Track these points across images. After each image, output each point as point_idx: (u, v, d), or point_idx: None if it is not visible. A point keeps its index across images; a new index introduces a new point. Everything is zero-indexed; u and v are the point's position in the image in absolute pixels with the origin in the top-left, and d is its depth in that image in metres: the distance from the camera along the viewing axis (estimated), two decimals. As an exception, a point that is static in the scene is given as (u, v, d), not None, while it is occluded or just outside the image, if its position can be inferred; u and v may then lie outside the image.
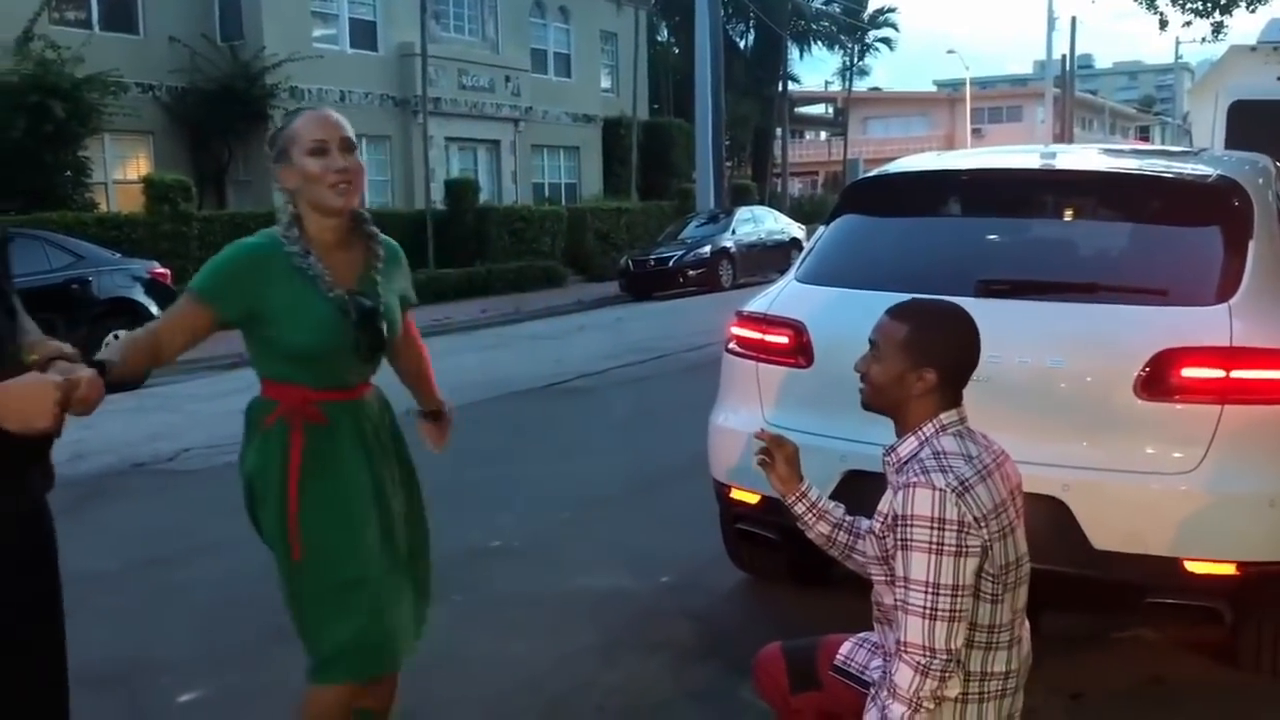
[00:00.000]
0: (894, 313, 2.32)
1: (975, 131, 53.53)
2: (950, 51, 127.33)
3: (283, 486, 2.52)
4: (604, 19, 30.72)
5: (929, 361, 2.24)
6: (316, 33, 22.74)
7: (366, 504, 2.60)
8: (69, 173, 17.56)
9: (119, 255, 12.43)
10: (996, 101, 61.54)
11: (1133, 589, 3.27)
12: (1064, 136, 40.31)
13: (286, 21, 21.61)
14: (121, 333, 11.39)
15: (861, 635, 2.51)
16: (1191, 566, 3.18)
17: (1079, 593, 3.43)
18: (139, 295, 11.73)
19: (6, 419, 1.84)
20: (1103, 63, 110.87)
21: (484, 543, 5.26)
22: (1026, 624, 2.37)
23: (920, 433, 2.27)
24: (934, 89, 67.63)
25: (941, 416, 2.27)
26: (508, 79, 26.77)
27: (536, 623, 4.29)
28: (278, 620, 3.99)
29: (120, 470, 7.11)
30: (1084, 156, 4.39)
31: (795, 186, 50.43)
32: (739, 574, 4.57)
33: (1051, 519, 3.24)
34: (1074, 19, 41.27)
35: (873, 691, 2.29)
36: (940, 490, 2.12)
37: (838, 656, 2.52)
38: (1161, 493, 3.22)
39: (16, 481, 2.02)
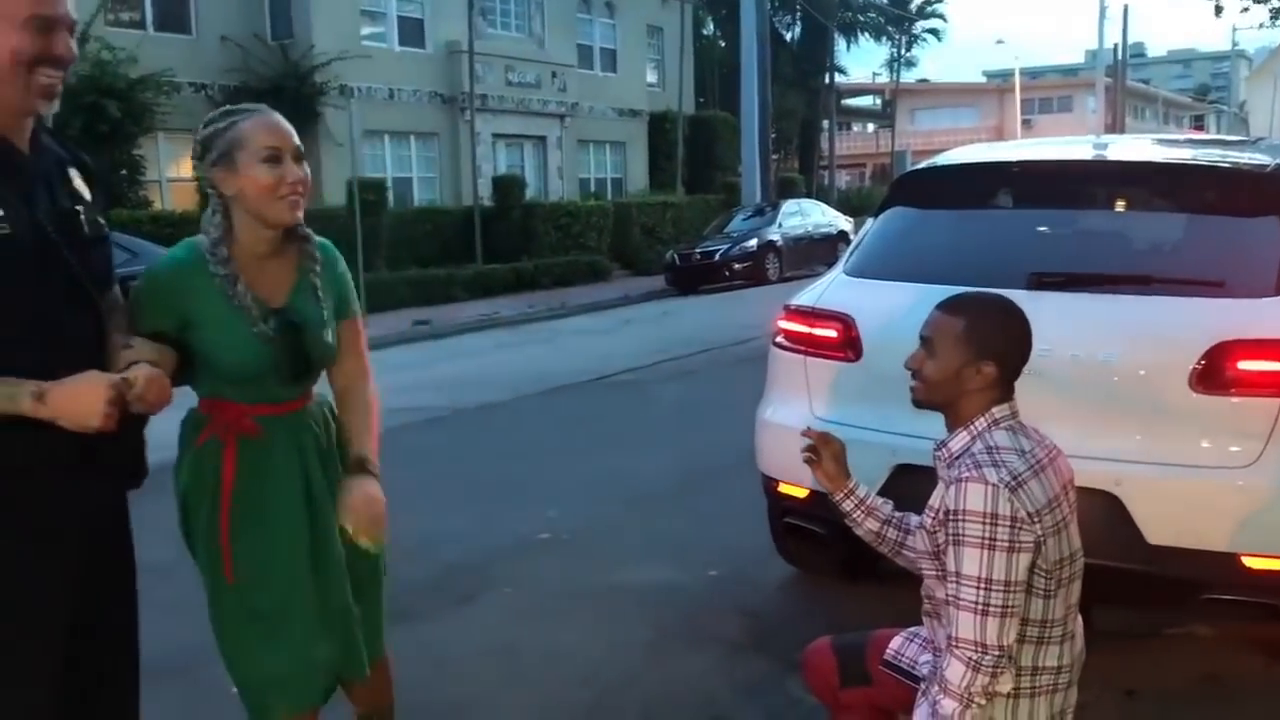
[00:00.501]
0: (947, 307, 2.30)
1: (1025, 122, 52.92)
2: (999, 41, 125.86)
3: (214, 507, 2.37)
4: (650, 13, 30.70)
5: (988, 354, 2.22)
6: (365, 31, 22.91)
7: (298, 525, 2.40)
8: (124, 171, 17.88)
9: (172, 252, 12.55)
10: (1046, 92, 60.72)
11: (1189, 585, 3.22)
12: (1115, 127, 39.75)
13: (336, 20, 21.82)
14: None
15: (911, 630, 2.50)
16: (1250, 562, 3.13)
17: (1133, 589, 3.39)
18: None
19: (61, 416, 1.88)
20: (1155, 51, 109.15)
21: (532, 536, 5.30)
22: (1080, 619, 2.35)
23: (973, 427, 2.25)
24: (983, 80, 66.93)
25: (994, 410, 2.25)
26: (554, 75, 26.84)
27: (585, 615, 4.32)
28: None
29: (170, 464, 7.18)
30: (1137, 147, 4.33)
31: (843, 179, 50.15)
32: (787, 568, 4.57)
33: (1105, 514, 3.21)
34: (1125, 6, 40.86)
35: (923, 686, 2.28)
36: (993, 485, 2.11)
37: (888, 651, 2.51)
38: (1219, 487, 3.17)
39: (111, 473, 2.10)
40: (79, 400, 1.89)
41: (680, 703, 3.56)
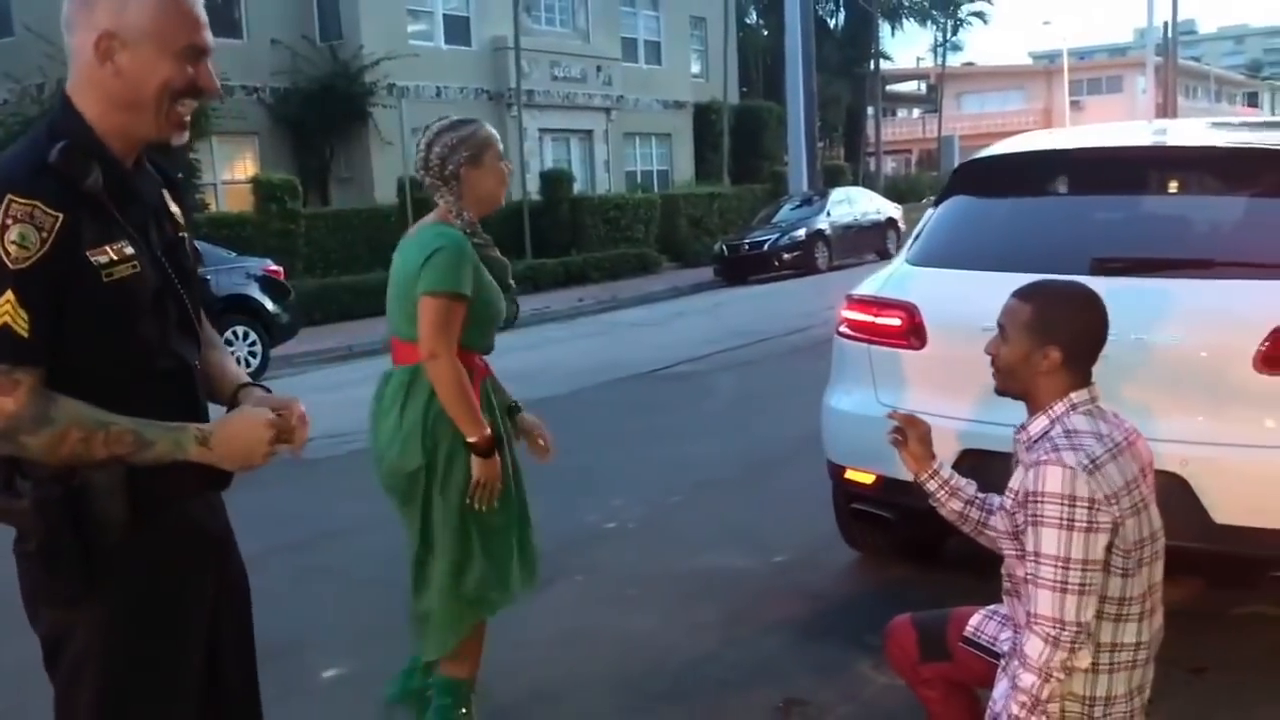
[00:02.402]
0: (1019, 294, 2.38)
1: (1074, 104, 52.22)
2: (1046, 22, 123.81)
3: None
4: (693, 4, 30.71)
5: (1052, 339, 2.29)
6: (412, 29, 23.15)
7: (511, 452, 3.10)
8: (179, 175, 18.10)
9: (234, 254, 12.83)
10: (1095, 72, 59.88)
11: (1255, 563, 3.28)
12: (1166, 106, 39.11)
13: (383, 20, 22.06)
14: (240, 330, 11.85)
15: (991, 608, 2.57)
16: (1317, 540, 3.18)
17: (1201, 567, 3.44)
18: (255, 292, 12.16)
19: (225, 460, 1.87)
20: (1206, 27, 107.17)
21: (600, 525, 5.42)
22: (1159, 596, 2.40)
23: (1051, 411, 2.32)
24: (1030, 62, 66.08)
25: (1072, 395, 2.32)
26: (599, 69, 26.95)
27: (656, 600, 4.43)
28: (409, 599, 4.22)
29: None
30: (1194, 131, 4.35)
31: (889, 165, 49.77)
32: (851, 553, 4.65)
33: (1170, 494, 3.25)
34: (1176, -18, 39.76)
35: (1003, 663, 2.35)
36: (1071, 468, 2.18)
37: (968, 628, 2.58)
38: (1284, 466, 3.22)
39: (213, 503, 2.08)
40: (243, 441, 1.87)
41: (754, 685, 3.65)
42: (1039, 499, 2.20)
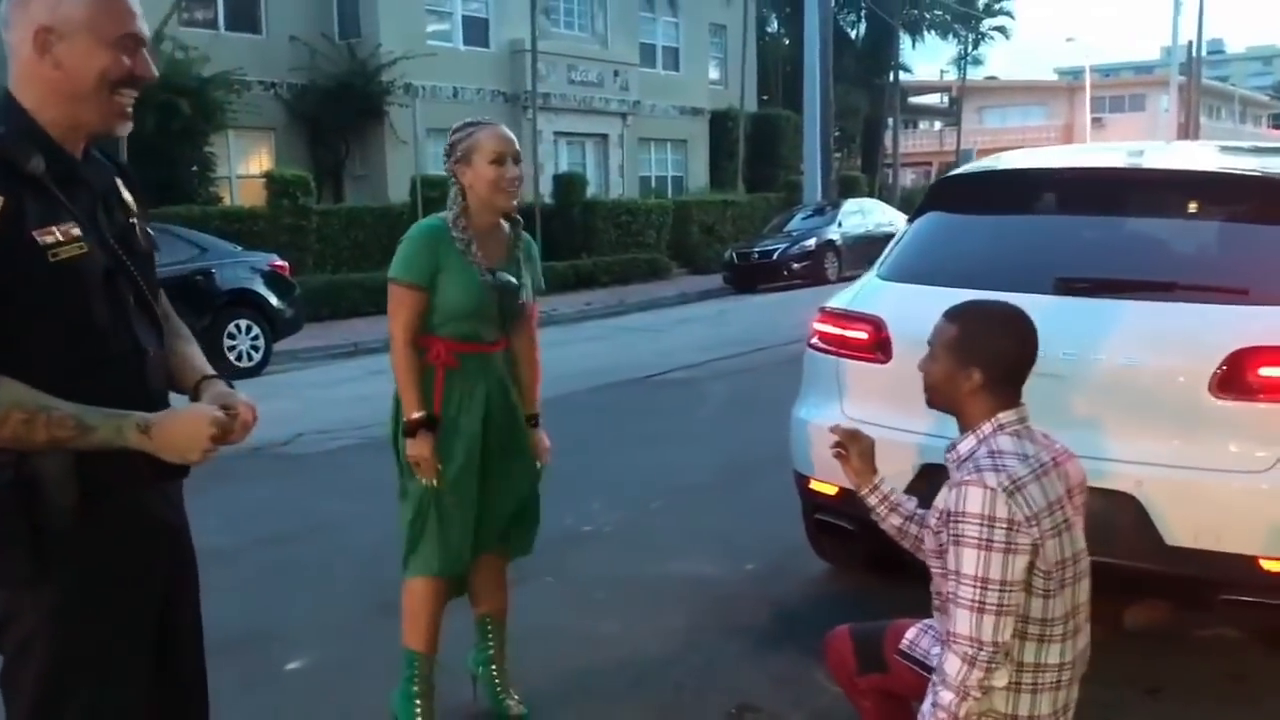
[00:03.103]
0: (948, 314, 2.42)
1: (1095, 121, 52.05)
2: (1069, 39, 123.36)
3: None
4: (713, 11, 30.75)
5: (974, 361, 2.32)
6: (430, 30, 23.27)
7: (475, 440, 3.20)
8: (195, 168, 18.34)
9: (240, 248, 12.92)
10: (1118, 90, 59.60)
11: (1206, 585, 3.28)
12: (1189, 126, 38.96)
13: (402, 20, 22.17)
14: (243, 323, 11.94)
15: (927, 622, 2.59)
16: (1268, 565, 3.19)
17: (1151, 588, 3.46)
18: (259, 287, 12.21)
19: (163, 450, 1.89)
20: (1235, 47, 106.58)
21: (576, 528, 5.46)
22: (1087, 618, 2.42)
23: (979, 431, 2.35)
24: (1055, 78, 65.86)
25: (1000, 416, 2.35)
26: (616, 73, 27.02)
27: (622, 604, 4.47)
28: (382, 596, 4.27)
29: (238, 453, 7.33)
30: (1170, 155, 4.36)
31: (908, 177, 49.66)
32: (821, 563, 4.67)
33: (1124, 514, 3.28)
34: (1201, 1, 39.62)
35: (934, 678, 2.38)
36: (991, 489, 2.20)
37: (903, 641, 2.61)
38: (1238, 490, 3.23)
39: (169, 494, 2.11)
40: (183, 434, 1.90)
41: (711, 688, 3.69)
42: (960, 519, 2.23)
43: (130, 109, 1.97)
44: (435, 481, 3.14)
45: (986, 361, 2.32)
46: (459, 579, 3.36)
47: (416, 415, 3.10)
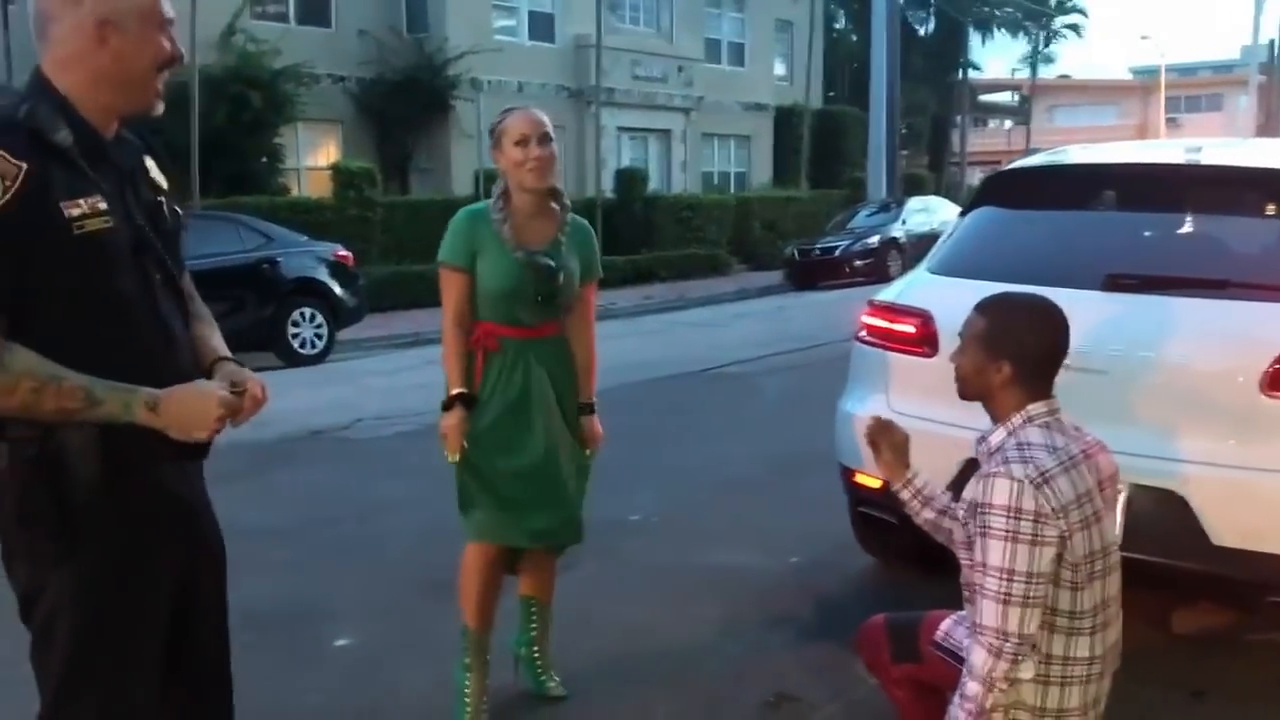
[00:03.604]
0: (978, 307, 2.42)
1: (1170, 121, 50.96)
2: (1144, 37, 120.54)
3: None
4: (780, 7, 30.62)
5: (1003, 354, 2.32)
6: (497, 24, 23.45)
7: (508, 425, 3.26)
8: (264, 159, 18.70)
9: (306, 238, 13.12)
10: (1195, 90, 58.30)
11: (1253, 587, 3.24)
12: (1270, 125, 37.99)
13: (469, 14, 22.37)
14: (307, 311, 12.15)
15: (961, 613, 2.58)
16: (1318, 568, 3.14)
17: (1197, 588, 3.41)
18: (324, 276, 12.43)
19: (171, 426, 1.90)
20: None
21: (623, 517, 5.49)
22: (1118, 612, 2.41)
23: (1009, 424, 2.36)
24: (1130, 77, 64.57)
25: (1029, 408, 2.35)
26: (680, 69, 27.00)
27: (666, 593, 4.50)
28: (431, 576, 4.35)
29: (298, 437, 7.62)
30: (1224, 152, 4.29)
31: (975, 176, 49.00)
32: (866, 557, 4.66)
33: (1170, 513, 3.25)
34: (1283, -1, 38.63)
35: (963, 669, 2.39)
36: (1018, 481, 2.21)
37: (938, 632, 2.62)
38: (1288, 491, 3.18)
39: (189, 473, 2.13)
40: (190, 411, 1.91)
41: (750, 677, 3.71)
42: (986, 510, 2.23)
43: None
44: (456, 457, 3.23)
45: (1016, 354, 2.32)
46: (510, 553, 3.40)
47: (454, 391, 3.21)
